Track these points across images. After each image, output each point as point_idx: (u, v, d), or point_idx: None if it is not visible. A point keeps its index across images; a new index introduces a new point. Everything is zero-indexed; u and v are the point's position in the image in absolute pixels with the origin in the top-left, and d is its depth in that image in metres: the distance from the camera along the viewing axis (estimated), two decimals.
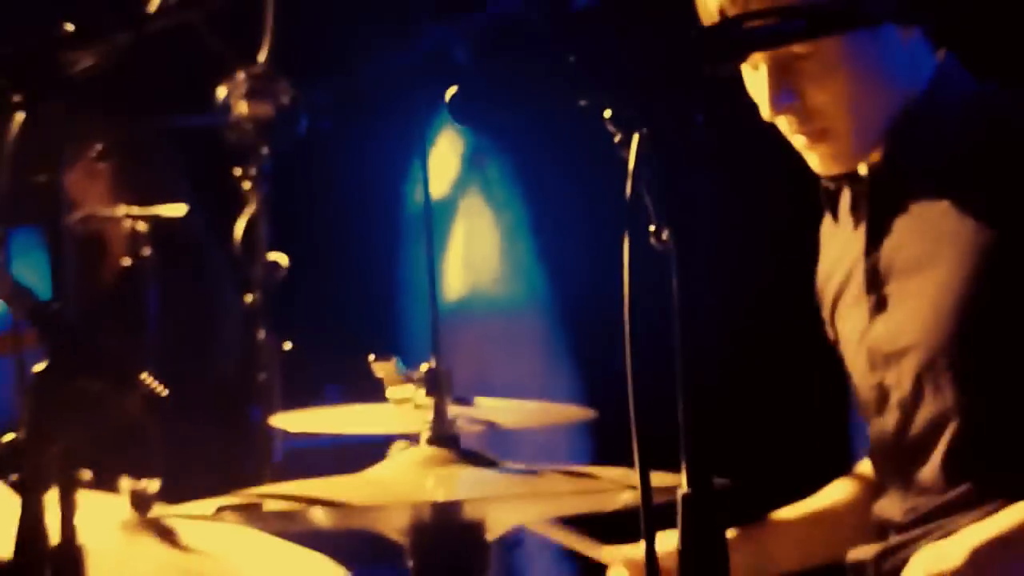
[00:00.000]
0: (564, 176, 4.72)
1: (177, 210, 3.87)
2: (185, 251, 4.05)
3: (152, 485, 2.55)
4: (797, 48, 2.39)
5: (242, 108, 3.48)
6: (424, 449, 2.25)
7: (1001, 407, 2.41)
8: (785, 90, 2.43)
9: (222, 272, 4.05)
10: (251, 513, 2.17)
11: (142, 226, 3.81)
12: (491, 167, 5.29)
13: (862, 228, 2.53)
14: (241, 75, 3.46)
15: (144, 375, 2.12)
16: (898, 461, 2.51)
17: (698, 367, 1.62)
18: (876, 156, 2.49)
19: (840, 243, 2.62)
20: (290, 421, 3.01)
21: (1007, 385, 2.40)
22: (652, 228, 1.65)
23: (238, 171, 3.56)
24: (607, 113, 1.70)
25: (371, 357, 2.36)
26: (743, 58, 2.10)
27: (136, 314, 3.78)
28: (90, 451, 1.96)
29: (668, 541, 1.75)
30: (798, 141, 2.47)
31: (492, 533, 2.14)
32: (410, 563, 2.14)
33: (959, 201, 2.44)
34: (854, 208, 2.57)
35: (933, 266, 2.46)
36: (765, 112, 2.43)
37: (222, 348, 4.11)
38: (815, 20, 1.78)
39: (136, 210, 3.85)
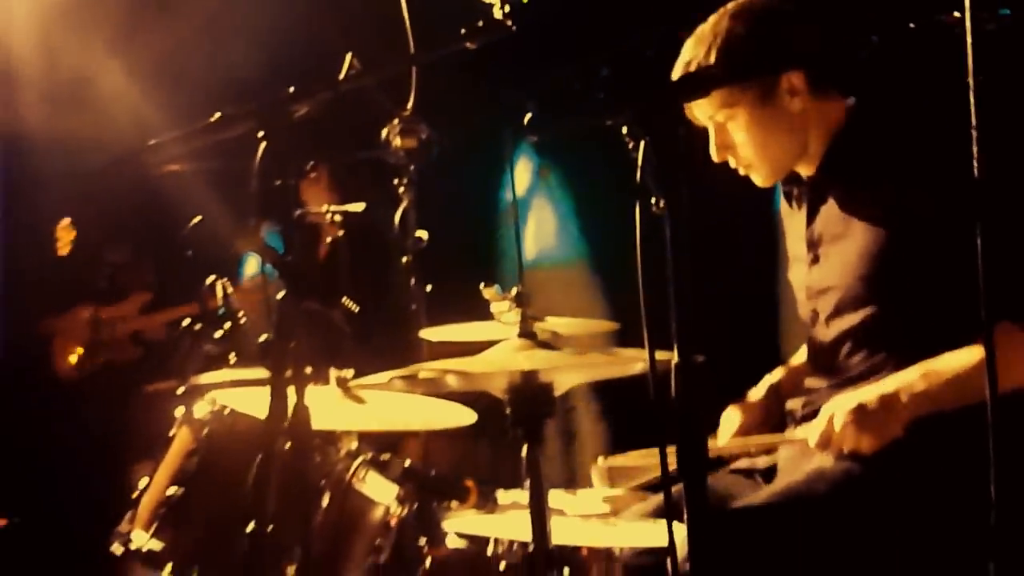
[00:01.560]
0: (597, 177, 4.74)
1: (358, 207, 3.93)
2: (364, 232, 4.05)
3: (349, 373, 2.54)
4: (719, 118, 2.42)
5: (397, 141, 3.53)
6: (516, 341, 2.24)
7: (882, 324, 2.37)
8: (720, 144, 2.47)
9: (388, 243, 4.06)
10: (411, 380, 2.16)
11: (338, 218, 3.90)
12: (550, 177, 5.46)
13: (804, 212, 2.53)
14: (396, 120, 3.50)
15: (344, 299, 2.12)
16: (822, 354, 2.48)
17: (686, 279, 1.64)
18: (812, 168, 2.50)
19: (793, 222, 2.61)
20: (432, 334, 3.03)
21: (887, 312, 2.36)
22: (653, 202, 1.68)
23: (396, 181, 3.61)
24: (624, 129, 1.75)
25: (482, 285, 2.37)
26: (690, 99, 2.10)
27: (337, 270, 3.83)
28: (311, 352, 1.94)
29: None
30: (740, 170, 2.52)
31: (557, 391, 2.11)
32: (508, 410, 2.11)
33: (860, 196, 2.41)
34: (799, 200, 2.57)
35: (845, 237, 2.42)
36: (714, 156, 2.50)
37: (390, 291, 4.14)
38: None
39: (334, 207, 3.91)
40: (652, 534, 2.24)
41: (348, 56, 2.39)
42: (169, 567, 2.44)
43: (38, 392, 4.89)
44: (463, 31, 2.05)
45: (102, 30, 4.86)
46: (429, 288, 3.48)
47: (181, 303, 4.42)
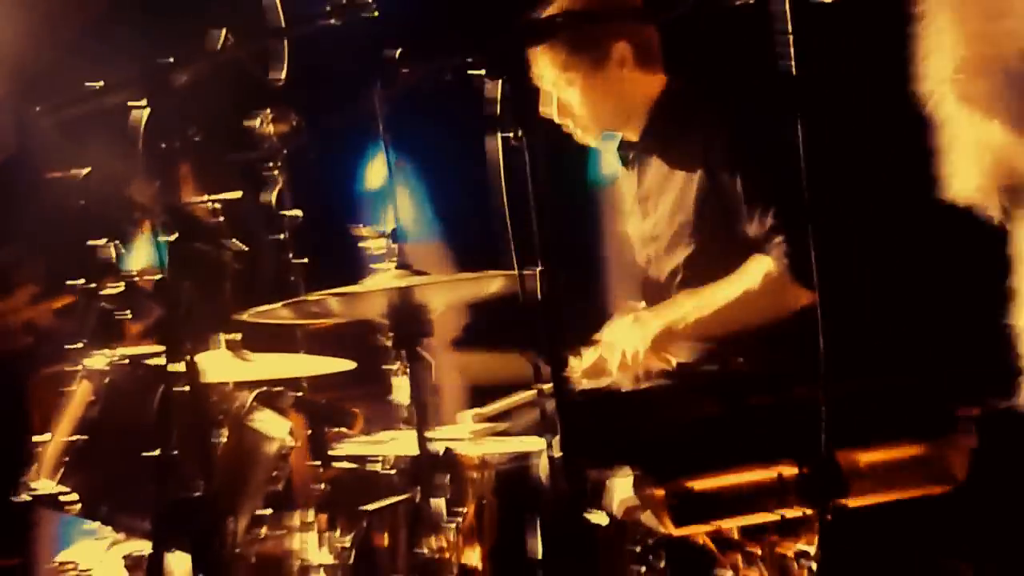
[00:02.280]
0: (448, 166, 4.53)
1: (236, 195, 3.77)
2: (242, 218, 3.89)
3: (237, 336, 2.45)
4: (561, 83, 2.48)
5: (269, 128, 3.39)
6: (393, 271, 2.16)
7: (701, 259, 2.47)
8: (561, 109, 2.53)
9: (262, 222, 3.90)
10: (298, 307, 2.13)
11: (218, 206, 3.74)
12: (405, 168, 5.40)
13: (635, 173, 2.62)
14: (267, 109, 3.36)
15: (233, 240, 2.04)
16: (656, 289, 2.55)
17: (545, 201, 1.63)
18: (636, 134, 2.59)
19: (626, 182, 2.69)
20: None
21: (704, 249, 2.45)
22: (511, 134, 1.66)
23: (270, 164, 3.48)
24: (482, 72, 1.68)
25: (353, 226, 2.30)
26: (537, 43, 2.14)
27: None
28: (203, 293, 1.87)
29: None
30: (575, 133, 2.59)
31: (433, 310, 2.10)
32: (389, 332, 2.07)
33: (677, 157, 2.51)
34: (632, 162, 2.64)
35: (667, 191, 2.51)
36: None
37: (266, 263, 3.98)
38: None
39: (213, 196, 3.74)
40: (521, 444, 2.24)
41: (223, 31, 2.29)
42: (78, 508, 2.29)
43: None
44: (328, 8, 2.02)
45: None
46: (305, 261, 3.39)
47: (69, 290, 4.24)
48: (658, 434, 1.82)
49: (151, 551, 1.78)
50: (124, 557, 2.51)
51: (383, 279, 2.09)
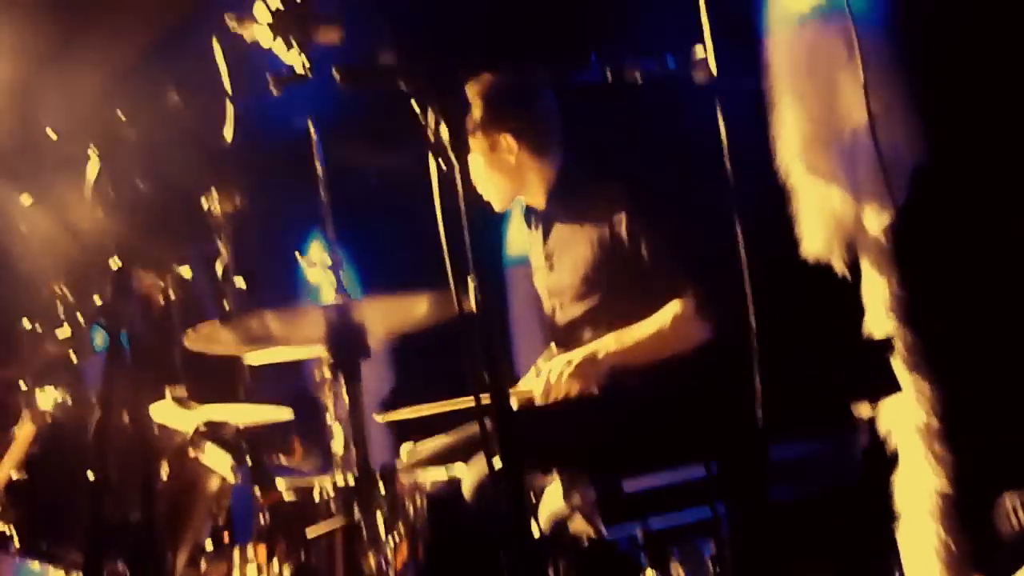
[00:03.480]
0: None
1: (186, 272, 3.43)
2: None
3: (182, 391, 2.17)
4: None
5: (216, 207, 3.05)
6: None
7: (601, 309, 2.31)
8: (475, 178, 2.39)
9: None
10: (243, 333, 1.81)
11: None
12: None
13: (540, 232, 2.50)
14: (212, 189, 3.04)
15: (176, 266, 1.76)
16: (561, 335, 2.39)
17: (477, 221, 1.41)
18: (541, 203, 2.47)
19: (533, 240, 2.54)
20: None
21: (603, 300, 2.31)
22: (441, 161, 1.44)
23: (216, 238, 3.15)
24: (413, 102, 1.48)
25: (297, 253, 2.08)
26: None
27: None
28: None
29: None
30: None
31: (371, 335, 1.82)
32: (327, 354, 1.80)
33: (577, 221, 2.39)
34: (535, 224, 2.52)
35: (569, 250, 2.39)
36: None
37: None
38: None
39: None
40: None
41: (173, 93, 2.04)
42: (16, 546, 1.87)
43: None
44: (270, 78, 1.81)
45: None
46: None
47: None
48: (586, 441, 1.55)
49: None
50: None
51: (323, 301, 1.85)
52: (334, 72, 1.43)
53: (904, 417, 2.51)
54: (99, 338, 2.13)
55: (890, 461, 2.46)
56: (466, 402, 1.99)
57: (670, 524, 1.57)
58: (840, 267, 2.65)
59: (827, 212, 2.67)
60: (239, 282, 3.13)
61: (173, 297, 3.40)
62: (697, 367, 1.87)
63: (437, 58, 1.50)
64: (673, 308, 2.21)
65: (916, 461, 2.52)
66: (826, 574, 2.40)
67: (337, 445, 2.08)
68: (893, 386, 1.61)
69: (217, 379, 2.80)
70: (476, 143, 2.35)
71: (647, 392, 1.75)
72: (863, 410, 1.59)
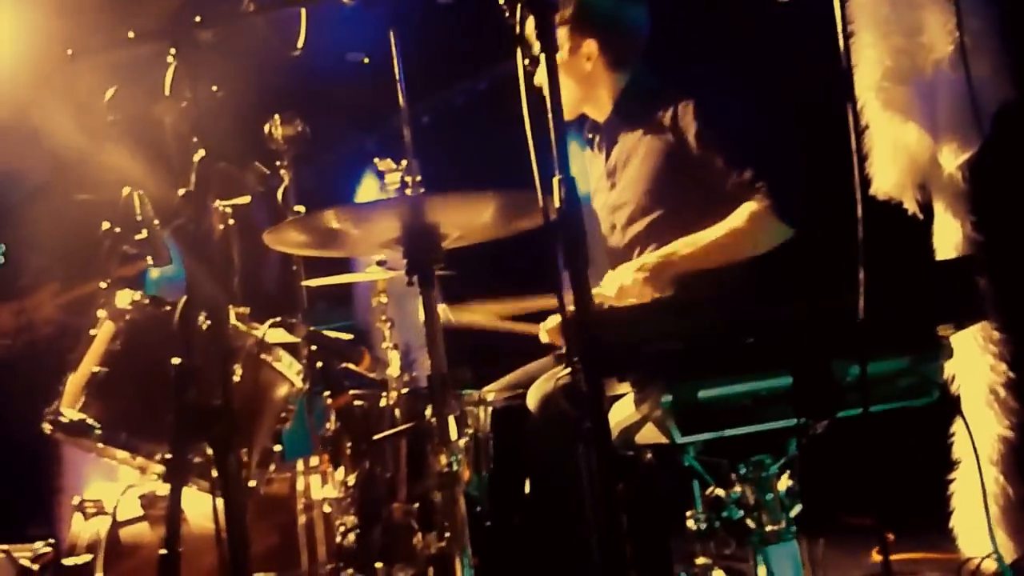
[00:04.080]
0: None
1: (245, 200, 3.47)
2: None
3: (245, 310, 2.12)
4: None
5: (278, 131, 3.08)
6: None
7: (662, 224, 2.28)
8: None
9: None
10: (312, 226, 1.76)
11: (228, 210, 3.43)
12: None
13: (602, 152, 2.45)
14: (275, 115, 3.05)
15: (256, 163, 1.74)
16: (620, 255, 2.35)
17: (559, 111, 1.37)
18: (604, 115, 2.39)
19: (595, 163, 2.51)
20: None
21: (665, 215, 2.28)
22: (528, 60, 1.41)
23: (277, 163, 3.19)
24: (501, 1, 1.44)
25: (376, 159, 2.01)
26: None
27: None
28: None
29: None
30: None
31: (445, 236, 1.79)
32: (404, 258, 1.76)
33: (640, 133, 2.35)
34: (599, 145, 2.48)
35: (631, 165, 2.35)
36: None
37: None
38: None
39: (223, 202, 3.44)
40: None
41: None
42: (98, 433, 1.93)
43: None
44: None
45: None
46: None
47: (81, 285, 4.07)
48: (660, 347, 1.55)
49: (169, 453, 1.44)
50: (140, 497, 2.20)
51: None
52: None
53: (970, 362, 2.47)
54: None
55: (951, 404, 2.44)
56: (543, 302, 1.99)
57: (739, 435, 1.57)
58: (912, 207, 2.59)
59: (902, 149, 2.60)
60: (299, 208, 3.18)
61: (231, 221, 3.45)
62: (774, 270, 1.86)
63: None
64: (748, 207, 2.16)
65: (979, 407, 2.49)
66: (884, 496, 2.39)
67: (393, 369, 2.12)
68: (980, 312, 1.58)
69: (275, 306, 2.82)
70: (559, 47, 2.30)
71: (723, 297, 1.74)
72: (946, 331, 1.57)
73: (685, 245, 2.17)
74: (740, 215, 2.16)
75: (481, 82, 3.79)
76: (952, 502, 2.50)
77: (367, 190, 4.75)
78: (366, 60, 4.29)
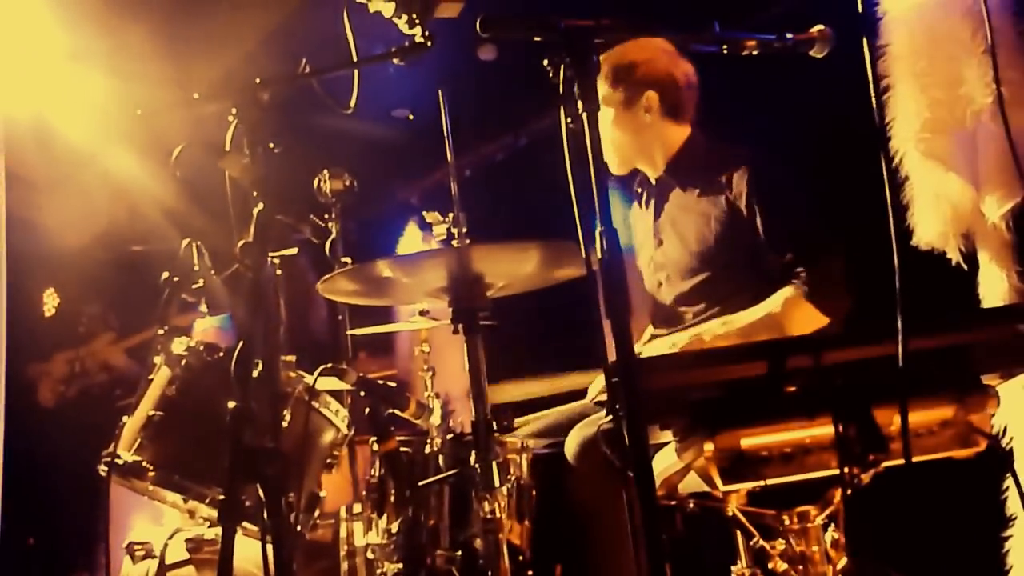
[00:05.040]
0: None
1: (292, 251, 3.59)
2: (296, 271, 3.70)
3: (291, 358, 2.21)
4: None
5: (327, 185, 3.16)
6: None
7: (707, 285, 2.30)
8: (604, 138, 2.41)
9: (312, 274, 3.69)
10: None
11: (276, 261, 3.54)
12: None
13: (651, 209, 2.47)
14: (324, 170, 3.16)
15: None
16: (663, 312, 2.38)
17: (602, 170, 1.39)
18: (658, 172, 2.45)
19: (641, 218, 2.53)
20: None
21: (711, 276, 2.29)
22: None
23: (326, 216, 3.29)
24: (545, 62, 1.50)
25: (424, 212, 2.07)
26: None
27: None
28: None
29: None
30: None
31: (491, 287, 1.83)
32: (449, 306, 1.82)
33: (692, 194, 2.36)
34: (646, 201, 2.50)
35: (680, 224, 2.37)
36: None
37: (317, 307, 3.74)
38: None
39: (272, 253, 3.54)
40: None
41: (304, 60, 2.14)
42: (151, 475, 1.99)
43: (26, 421, 4.31)
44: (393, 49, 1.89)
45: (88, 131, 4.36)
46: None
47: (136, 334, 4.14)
48: (703, 394, 1.56)
49: (223, 492, 1.48)
50: (186, 541, 2.23)
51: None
52: (477, 23, 1.47)
53: (1020, 414, 2.42)
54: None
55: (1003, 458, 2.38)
56: (579, 379, 1.98)
57: (783, 484, 1.56)
58: (956, 257, 2.57)
59: (944, 199, 2.59)
60: (346, 260, 3.27)
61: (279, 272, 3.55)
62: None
63: (571, 15, 1.53)
64: (785, 293, 2.15)
65: None
66: (935, 551, 2.33)
67: (436, 418, 2.14)
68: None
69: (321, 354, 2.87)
70: (610, 98, 2.32)
71: (766, 344, 1.74)
72: (993, 380, 1.55)
73: (719, 325, 2.16)
74: (776, 301, 2.15)
75: (521, 138, 3.88)
76: (1008, 559, 2.44)
77: (409, 241, 4.85)
78: (411, 117, 4.41)
